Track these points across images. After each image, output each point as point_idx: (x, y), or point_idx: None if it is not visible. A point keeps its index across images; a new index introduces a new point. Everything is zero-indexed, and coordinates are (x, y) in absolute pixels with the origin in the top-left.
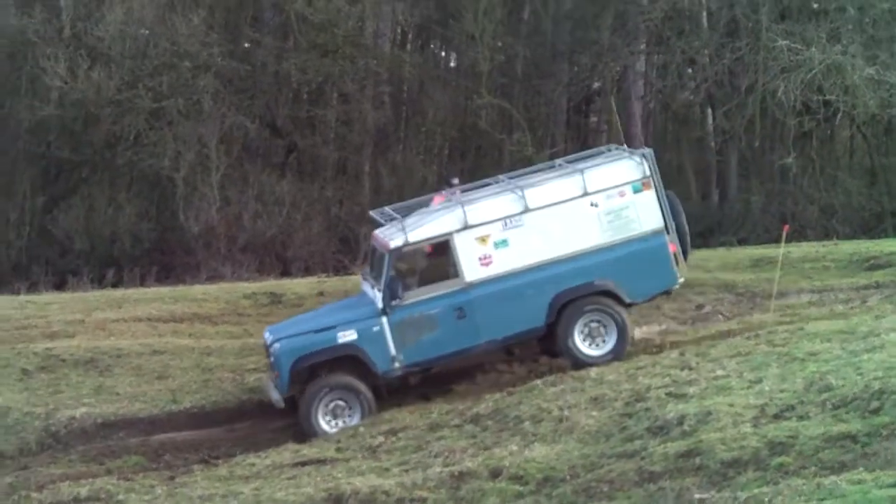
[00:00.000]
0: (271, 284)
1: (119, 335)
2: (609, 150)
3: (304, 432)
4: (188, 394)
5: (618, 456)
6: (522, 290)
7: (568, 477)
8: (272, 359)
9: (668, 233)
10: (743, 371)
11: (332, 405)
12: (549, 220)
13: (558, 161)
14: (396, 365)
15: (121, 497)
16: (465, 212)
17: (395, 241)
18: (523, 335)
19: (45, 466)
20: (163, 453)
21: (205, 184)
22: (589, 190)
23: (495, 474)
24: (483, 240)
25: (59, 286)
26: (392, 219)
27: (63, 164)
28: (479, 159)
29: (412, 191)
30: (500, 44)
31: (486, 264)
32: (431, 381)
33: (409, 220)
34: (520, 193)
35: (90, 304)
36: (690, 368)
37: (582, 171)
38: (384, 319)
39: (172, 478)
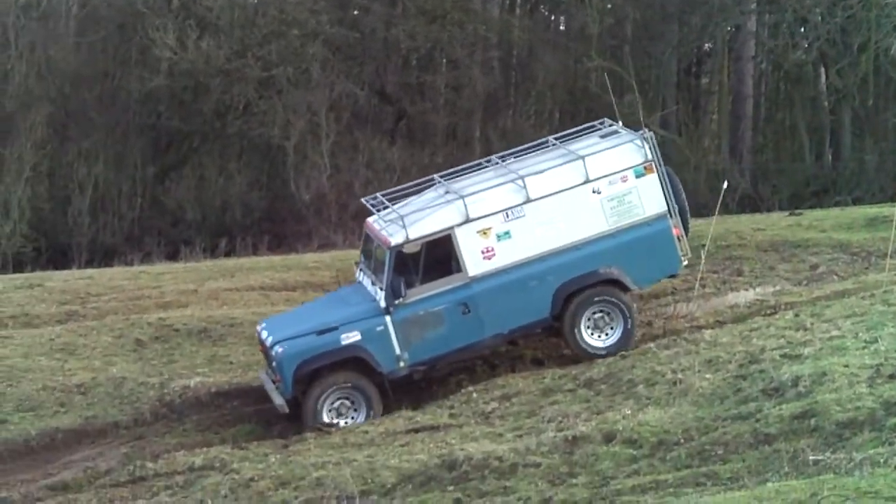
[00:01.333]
0: None
1: (232, 304)
2: (602, 125)
3: (307, 431)
4: None
5: (732, 418)
6: (527, 282)
7: (682, 440)
8: (274, 363)
9: (671, 216)
10: (858, 331)
11: (336, 404)
12: (551, 209)
13: (551, 138)
14: (401, 364)
15: (235, 465)
16: (465, 205)
17: (396, 238)
18: (529, 327)
19: (160, 436)
20: (276, 422)
21: (315, 152)
22: (591, 177)
23: (609, 438)
24: (485, 233)
25: (172, 256)
26: (385, 206)
27: (174, 134)
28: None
29: None
30: (609, 6)
31: (489, 257)
32: (544, 346)
33: (409, 215)
34: (521, 184)
35: (203, 273)
36: (805, 329)
37: (583, 157)
38: (388, 319)
39: (286, 446)
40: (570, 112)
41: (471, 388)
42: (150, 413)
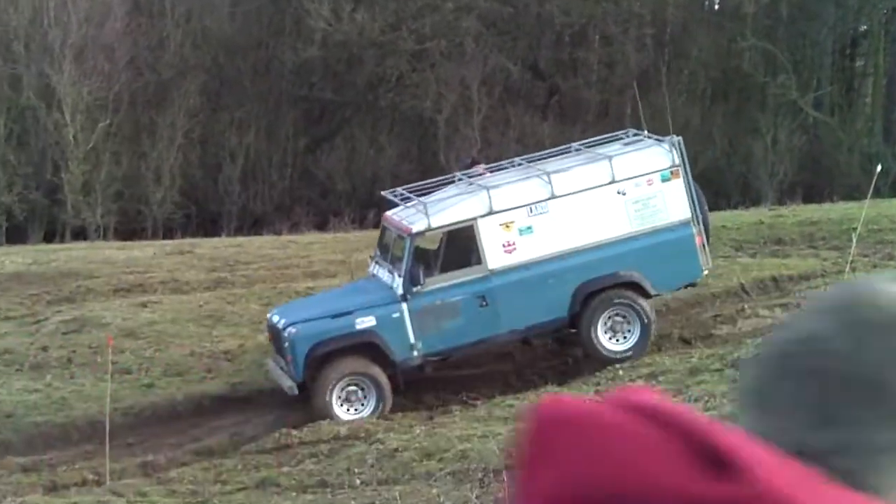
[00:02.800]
0: None
1: None
2: (627, 135)
3: (317, 418)
4: None
5: None
6: (546, 279)
7: None
8: (286, 344)
9: (695, 224)
10: None
11: (345, 391)
12: (575, 207)
13: (574, 145)
14: (415, 353)
15: (380, 435)
16: (490, 196)
17: (417, 226)
18: (546, 325)
19: (304, 405)
20: (423, 393)
21: (466, 125)
22: (617, 177)
23: None
24: (507, 226)
25: (321, 226)
26: (406, 199)
27: (326, 105)
28: (742, 102)
29: (675, 134)
30: None
31: (510, 251)
32: (691, 325)
33: (432, 204)
34: (546, 179)
35: (351, 244)
36: None
37: (610, 157)
38: (404, 306)
39: (431, 417)
40: (722, 91)
41: (617, 366)
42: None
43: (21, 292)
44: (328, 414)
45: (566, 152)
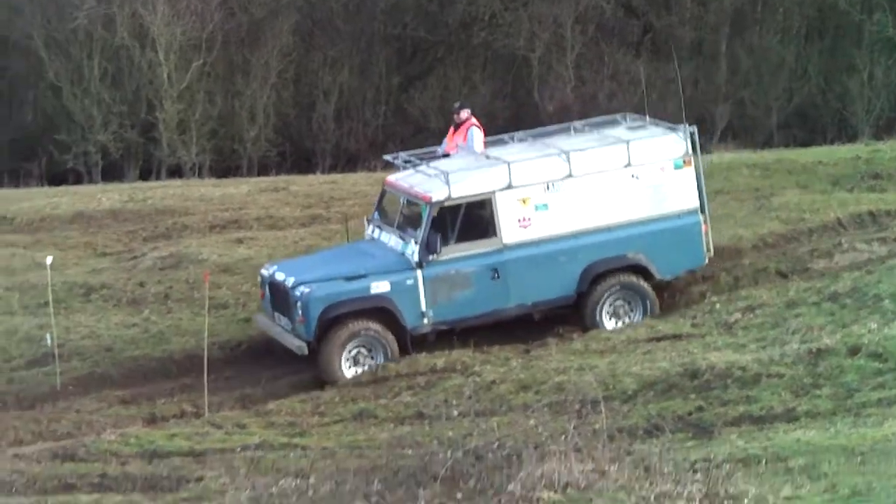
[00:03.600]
0: None
1: None
2: (624, 119)
3: (324, 380)
4: None
5: None
6: (557, 257)
7: None
8: (297, 303)
9: (702, 212)
10: None
11: (354, 352)
12: (590, 187)
13: (575, 124)
14: (425, 321)
15: (476, 368)
16: (510, 170)
17: (438, 194)
18: (553, 302)
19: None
20: (517, 327)
21: (559, 63)
22: (633, 162)
23: (854, 351)
24: (524, 201)
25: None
26: (407, 163)
27: (418, 44)
28: (838, 40)
29: (769, 72)
30: None
31: (525, 227)
32: (789, 259)
33: (454, 173)
34: (565, 158)
35: None
36: None
37: (627, 141)
38: (419, 273)
39: (527, 350)
40: (817, 29)
41: (714, 299)
42: None
43: (118, 229)
44: (335, 375)
45: (566, 131)
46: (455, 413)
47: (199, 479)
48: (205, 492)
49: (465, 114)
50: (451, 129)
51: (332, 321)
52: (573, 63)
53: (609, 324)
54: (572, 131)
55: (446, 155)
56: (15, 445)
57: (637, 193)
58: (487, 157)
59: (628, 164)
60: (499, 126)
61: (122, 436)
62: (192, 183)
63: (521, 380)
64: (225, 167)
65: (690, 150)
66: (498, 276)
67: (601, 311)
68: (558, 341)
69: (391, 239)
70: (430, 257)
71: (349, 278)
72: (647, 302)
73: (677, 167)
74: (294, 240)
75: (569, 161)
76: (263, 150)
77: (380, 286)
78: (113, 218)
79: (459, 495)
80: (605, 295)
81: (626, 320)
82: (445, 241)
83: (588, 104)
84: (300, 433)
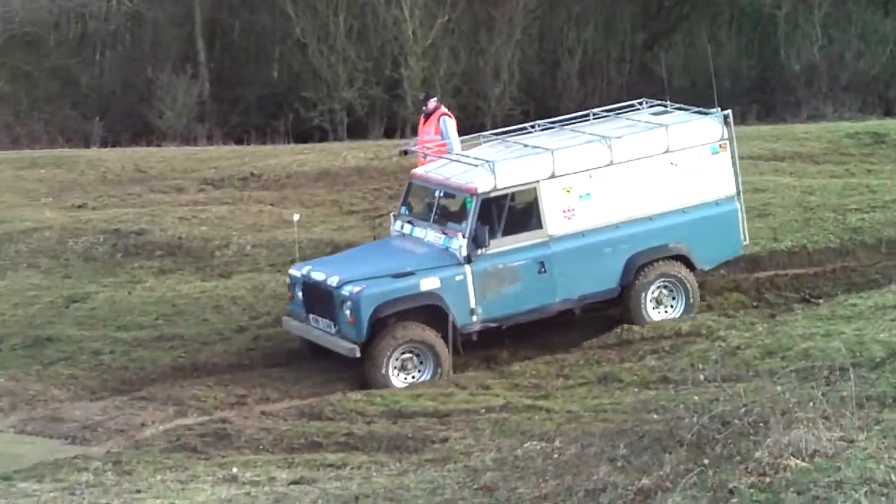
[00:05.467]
0: (873, 125)
1: None
2: (642, 105)
3: (370, 384)
4: (789, 231)
5: None
6: (601, 249)
7: None
8: (346, 303)
9: (738, 198)
10: None
11: (400, 358)
12: (631, 175)
13: (594, 111)
14: (474, 319)
15: (721, 333)
16: (553, 158)
17: (484, 185)
18: (598, 296)
19: None
20: (764, 291)
21: (807, 22)
22: (671, 147)
23: None
24: (568, 191)
25: None
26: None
27: (663, 0)
28: None
29: None
30: None
31: (569, 217)
32: None
33: (499, 162)
34: (606, 144)
35: None
36: None
37: (666, 126)
38: (467, 269)
39: (773, 315)
40: None
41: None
42: None
43: (363, 186)
44: (382, 381)
45: (583, 119)
46: (701, 378)
47: (444, 439)
48: (450, 453)
49: (433, 103)
50: (422, 119)
51: (380, 322)
52: (821, 21)
53: (654, 315)
54: (591, 118)
55: (405, 153)
56: (262, 403)
57: (676, 180)
58: (526, 145)
59: (667, 150)
60: (745, 84)
61: (368, 395)
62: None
63: (766, 345)
64: (469, 125)
65: (726, 134)
66: (544, 270)
67: (646, 302)
68: (804, 306)
69: (428, 234)
70: (479, 251)
71: (397, 276)
72: (690, 292)
73: (714, 152)
74: None
75: (611, 148)
76: (507, 108)
77: (429, 283)
78: (358, 175)
79: (706, 461)
80: (649, 286)
81: (669, 311)
82: (493, 235)
83: (835, 64)
84: (544, 395)
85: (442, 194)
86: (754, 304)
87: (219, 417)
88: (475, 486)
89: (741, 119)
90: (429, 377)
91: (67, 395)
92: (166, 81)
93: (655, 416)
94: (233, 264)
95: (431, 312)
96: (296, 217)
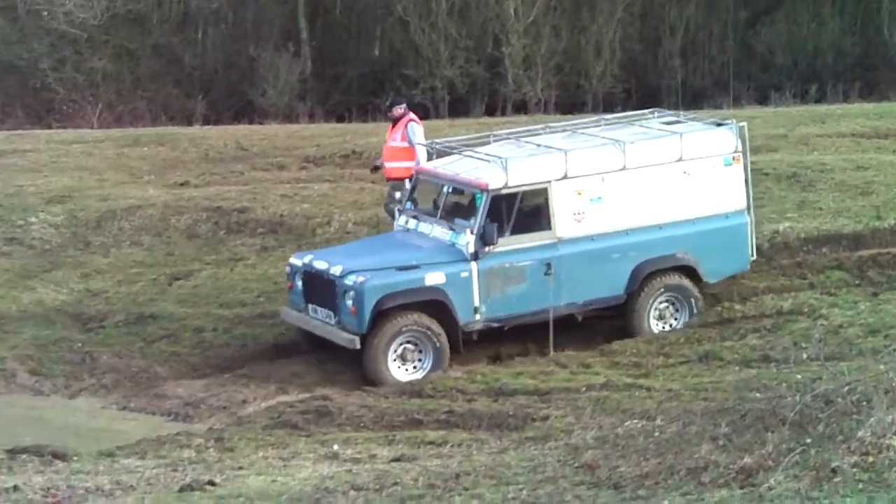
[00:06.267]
0: None
1: (822, 150)
2: (652, 114)
3: (370, 378)
4: (892, 210)
5: None
6: (610, 254)
7: None
8: (350, 293)
9: (749, 212)
10: None
11: (401, 348)
12: (643, 181)
13: (605, 116)
14: (477, 317)
15: (824, 311)
16: (567, 159)
17: (495, 182)
18: (602, 302)
19: (749, 279)
20: (866, 269)
21: None
22: (685, 156)
23: None
24: (580, 193)
25: (761, 101)
26: (443, 154)
27: None
28: None
29: None
30: None
31: (579, 220)
32: None
33: (511, 160)
34: (620, 148)
35: (793, 119)
36: None
37: (681, 134)
38: (474, 265)
39: (876, 294)
40: None
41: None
42: None
43: None
44: (381, 374)
45: (595, 124)
46: (803, 356)
47: (545, 417)
48: (550, 431)
49: (399, 110)
50: (390, 126)
51: (382, 314)
52: None
53: (655, 327)
54: (602, 124)
55: (376, 168)
56: (363, 380)
57: (688, 190)
58: (538, 145)
59: (680, 159)
60: (847, 62)
61: (469, 373)
62: (538, 118)
63: (869, 324)
64: (570, 103)
65: (739, 147)
66: (551, 272)
67: (648, 313)
68: None
69: (434, 229)
70: (486, 249)
71: (402, 268)
72: (694, 305)
73: (727, 164)
74: None
75: (624, 152)
76: (609, 87)
77: (434, 278)
78: None
79: (808, 440)
80: (655, 296)
81: (672, 323)
82: (501, 233)
83: None
84: (644, 374)
85: (450, 190)
86: (857, 282)
87: (320, 394)
88: (576, 465)
89: (844, 97)
90: (428, 371)
91: (170, 373)
92: (268, 59)
93: (757, 394)
94: (334, 242)
95: (434, 308)
96: (398, 195)
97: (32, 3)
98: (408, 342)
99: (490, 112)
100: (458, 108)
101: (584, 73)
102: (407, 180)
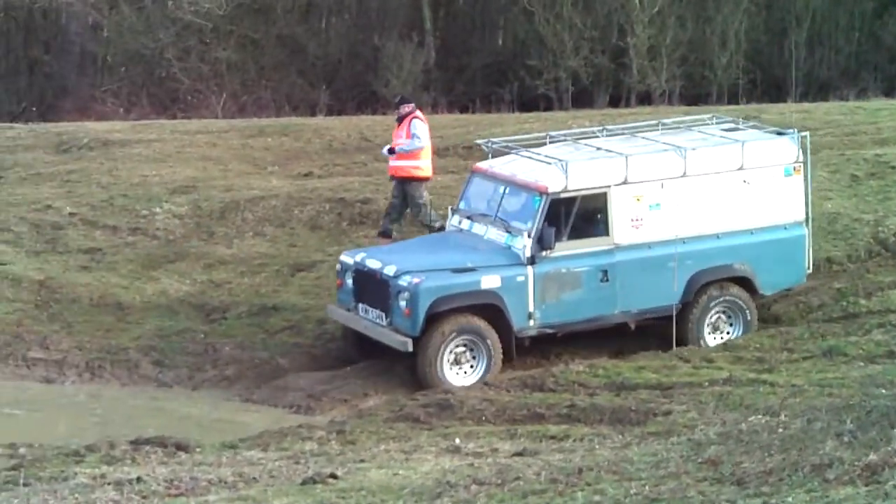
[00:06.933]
0: None
1: None
2: (711, 121)
3: (421, 381)
4: None
5: None
6: (666, 262)
7: None
8: (404, 294)
9: (807, 224)
10: None
11: (454, 352)
12: (702, 189)
13: (664, 121)
14: (531, 323)
15: None
16: (627, 164)
17: (554, 185)
18: (657, 311)
19: (874, 273)
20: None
21: None
22: (745, 165)
23: None
24: (639, 199)
25: (888, 92)
26: (500, 154)
27: None
28: None
29: None
30: None
31: (637, 227)
32: None
33: (572, 162)
34: (681, 154)
35: None
36: None
37: (742, 142)
38: (530, 270)
39: None
40: None
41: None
42: (864, 250)
43: None
44: (434, 377)
45: (653, 129)
46: None
47: (667, 412)
48: (673, 426)
49: (407, 108)
50: (396, 125)
51: (436, 316)
52: None
53: (710, 338)
54: (660, 128)
55: (392, 150)
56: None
57: (747, 199)
58: (598, 148)
59: (741, 168)
60: None
61: (591, 367)
62: (661, 110)
63: None
64: (695, 94)
65: (801, 157)
66: (607, 279)
67: (703, 323)
68: None
69: (488, 231)
70: (543, 253)
71: (457, 270)
72: (749, 317)
73: (787, 174)
74: None
75: (685, 158)
76: (734, 78)
77: (490, 281)
78: None
79: None
80: (710, 307)
81: (726, 335)
82: (558, 237)
83: None
84: (768, 369)
85: (507, 191)
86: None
87: (441, 388)
88: (699, 460)
89: None
90: (481, 375)
91: (292, 364)
92: (392, 50)
93: (883, 391)
94: None
95: (488, 312)
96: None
97: None
98: (461, 345)
99: (614, 103)
100: (582, 99)
101: (709, 63)
102: (413, 181)
